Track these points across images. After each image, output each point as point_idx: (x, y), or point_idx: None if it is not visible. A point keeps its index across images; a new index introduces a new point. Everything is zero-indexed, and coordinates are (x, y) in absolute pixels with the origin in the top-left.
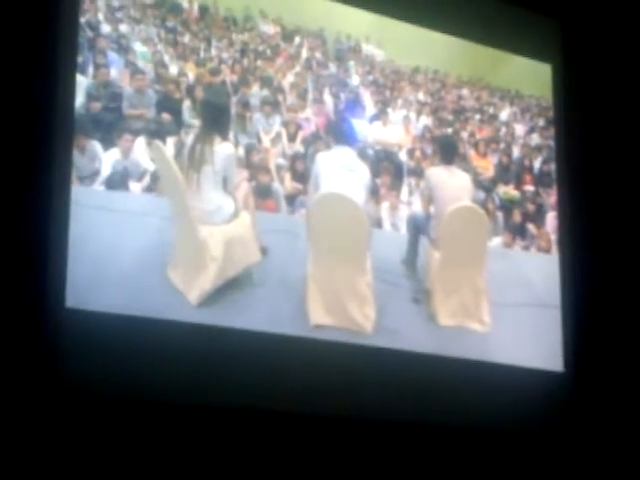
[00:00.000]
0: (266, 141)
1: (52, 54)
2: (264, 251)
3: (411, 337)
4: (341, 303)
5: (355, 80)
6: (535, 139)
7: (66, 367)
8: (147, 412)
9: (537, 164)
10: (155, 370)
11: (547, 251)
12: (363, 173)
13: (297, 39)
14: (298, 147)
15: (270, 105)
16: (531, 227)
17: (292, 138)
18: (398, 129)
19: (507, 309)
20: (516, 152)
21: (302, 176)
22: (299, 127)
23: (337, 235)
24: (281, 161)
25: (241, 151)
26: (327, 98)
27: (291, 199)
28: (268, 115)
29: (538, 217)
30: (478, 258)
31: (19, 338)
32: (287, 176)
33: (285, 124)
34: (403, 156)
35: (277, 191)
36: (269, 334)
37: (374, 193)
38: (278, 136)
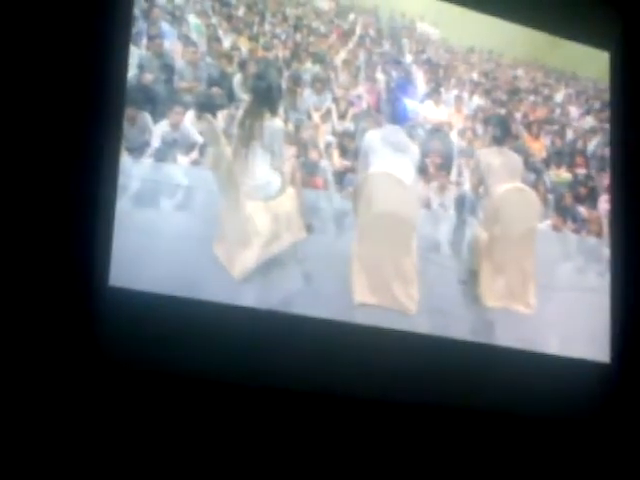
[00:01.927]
0: (316, 117)
1: (106, 24)
2: (309, 228)
3: (456, 318)
4: (386, 282)
5: (408, 58)
6: (590, 121)
7: (107, 344)
8: (185, 388)
9: (591, 147)
10: (193, 348)
11: (598, 235)
12: (413, 152)
13: (351, 16)
14: (348, 124)
15: (321, 82)
16: (582, 210)
17: (342, 115)
18: (450, 109)
19: (555, 293)
20: (570, 134)
21: (351, 153)
22: (350, 104)
23: (384, 214)
24: (330, 138)
25: (290, 127)
26: (379, 76)
27: (339, 176)
28: (319, 91)
29: (590, 200)
30: (527, 240)
31: (62, 315)
32: (336, 153)
33: (336, 101)
34: (454, 136)
35: (325, 168)
36: (309, 318)
37: (423, 173)
38: (328, 113)
